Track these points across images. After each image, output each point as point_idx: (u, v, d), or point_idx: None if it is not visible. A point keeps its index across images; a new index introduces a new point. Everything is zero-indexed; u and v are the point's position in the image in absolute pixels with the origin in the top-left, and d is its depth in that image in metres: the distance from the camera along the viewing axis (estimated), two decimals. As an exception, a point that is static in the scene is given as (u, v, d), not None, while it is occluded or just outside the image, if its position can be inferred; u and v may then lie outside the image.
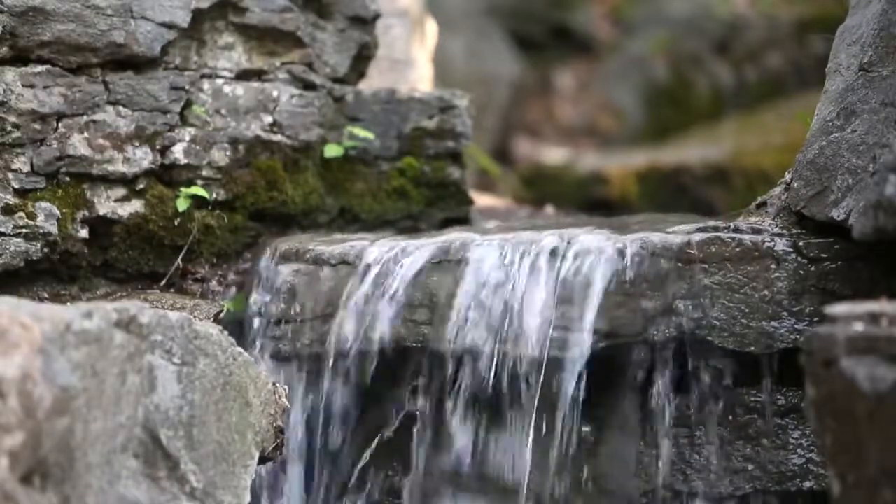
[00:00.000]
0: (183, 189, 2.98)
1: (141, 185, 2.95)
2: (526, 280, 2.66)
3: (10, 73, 2.82)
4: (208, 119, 3.02)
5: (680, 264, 2.64)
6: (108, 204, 2.93)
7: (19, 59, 2.84)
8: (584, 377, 2.62)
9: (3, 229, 2.78)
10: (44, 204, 2.84)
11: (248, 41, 3.10)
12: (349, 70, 3.23)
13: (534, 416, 2.63)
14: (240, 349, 2.32)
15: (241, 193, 3.05)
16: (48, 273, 2.89)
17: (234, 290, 3.00)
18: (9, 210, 2.80)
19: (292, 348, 2.80)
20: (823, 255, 2.64)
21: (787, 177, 2.79)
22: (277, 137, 3.10)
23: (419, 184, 3.23)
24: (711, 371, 2.66)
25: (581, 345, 2.61)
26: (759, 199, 2.86)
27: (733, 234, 2.67)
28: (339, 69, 3.21)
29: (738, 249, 2.65)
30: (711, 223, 2.77)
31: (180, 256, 2.99)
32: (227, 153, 3.04)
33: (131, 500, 2.11)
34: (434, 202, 3.24)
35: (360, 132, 3.18)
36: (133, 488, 2.13)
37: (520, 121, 6.79)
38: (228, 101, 3.06)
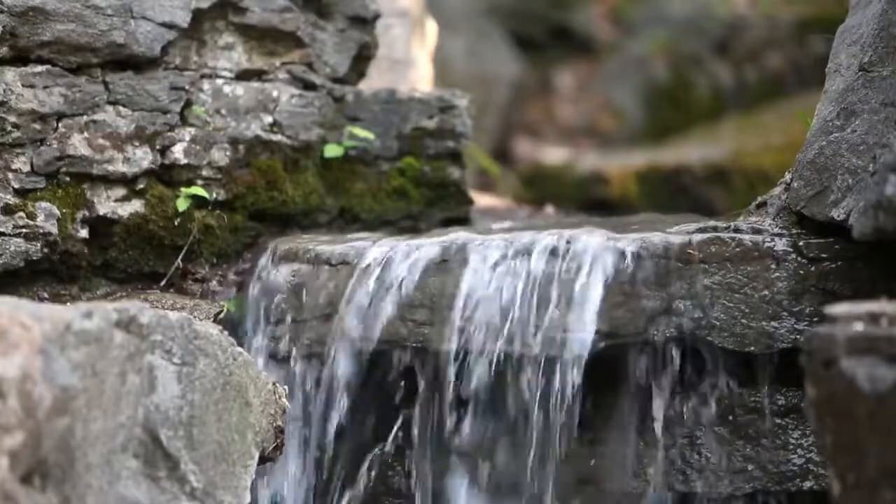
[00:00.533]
0: (183, 189, 2.98)
1: (141, 185, 2.95)
2: (526, 280, 2.66)
3: (10, 73, 2.82)
4: (208, 119, 3.03)
5: (680, 264, 2.64)
6: (108, 204, 2.93)
7: (19, 59, 2.84)
8: (584, 377, 2.62)
9: (3, 229, 2.78)
10: (44, 204, 2.84)
11: (248, 41, 3.10)
12: (349, 70, 3.23)
13: (534, 415, 2.63)
14: (240, 349, 2.32)
15: (241, 193, 3.05)
16: (48, 273, 2.89)
17: (234, 290, 3.00)
18: (9, 210, 2.80)
19: (292, 349, 2.80)
20: (823, 255, 2.64)
21: (787, 177, 2.79)
22: (277, 137, 3.10)
23: (419, 184, 3.23)
24: (711, 371, 2.66)
25: (581, 345, 2.61)
26: (759, 199, 2.86)
27: (733, 234, 2.67)
28: (339, 69, 3.21)
29: (738, 249, 2.65)
30: (711, 223, 2.77)
31: (180, 256, 2.99)
32: (227, 153, 3.04)
33: (131, 500, 2.11)
34: (434, 202, 3.24)
35: (360, 132, 3.18)
36: (133, 488, 2.13)
37: (520, 121, 6.79)
38: (228, 101, 3.06)
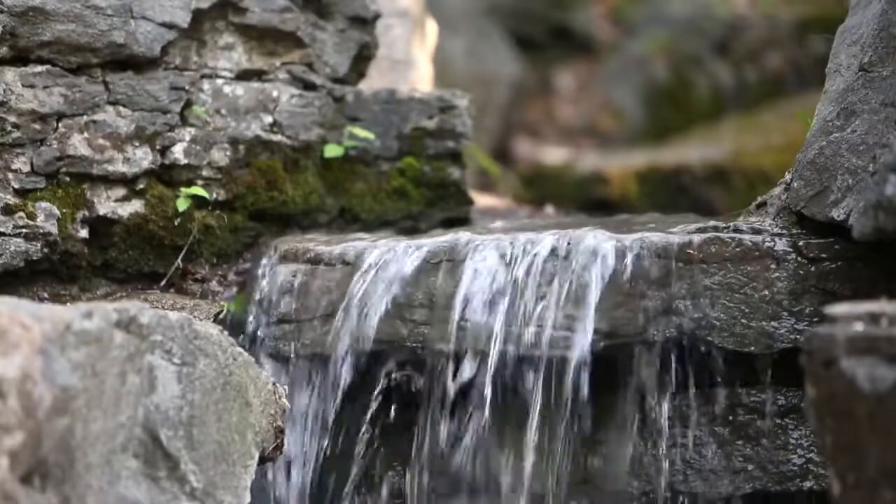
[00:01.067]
0: (183, 189, 2.98)
1: (141, 185, 2.95)
2: (526, 280, 2.66)
3: (10, 73, 2.82)
4: (208, 119, 3.03)
5: (680, 264, 2.64)
6: (108, 204, 2.93)
7: (19, 59, 2.84)
8: (585, 377, 2.62)
9: (3, 229, 2.78)
10: (44, 204, 2.84)
11: (248, 41, 3.10)
12: (349, 70, 3.23)
13: (534, 415, 2.63)
14: (240, 349, 2.32)
15: (241, 193, 3.05)
16: (48, 273, 2.89)
17: (234, 290, 3.00)
18: (9, 210, 2.80)
19: (292, 348, 2.80)
20: (823, 255, 2.64)
21: (787, 177, 2.79)
22: (277, 137, 3.10)
23: (419, 184, 3.23)
24: (711, 371, 2.66)
25: (581, 345, 2.61)
26: (759, 199, 2.87)
27: (733, 234, 2.67)
28: (339, 69, 3.21)
29: (738, 249, 2.65)
30: (711, 223, 2.77)
31: (180, 256, 2.99)
32: (227, 153, 3.04)
33: (131, 500, 2.11)
34: (434, 202, 3.24)
35: (360, 132, 3.18)
36: (133, 488, 2.13)
37: (520, 121, 6.79)
38: (228, 101, 3.06)
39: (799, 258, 2.65)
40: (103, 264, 2.97)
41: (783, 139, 5.17)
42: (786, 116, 5.46)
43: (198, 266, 3.02)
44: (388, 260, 2.74)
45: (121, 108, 2.93)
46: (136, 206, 2.95)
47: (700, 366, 2.65)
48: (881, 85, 2.65)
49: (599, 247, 2.66)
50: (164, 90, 2.97)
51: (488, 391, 2.66)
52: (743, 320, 2.63)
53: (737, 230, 2.69)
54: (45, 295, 2.89)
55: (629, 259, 2.64)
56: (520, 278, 2.66)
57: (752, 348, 2.63)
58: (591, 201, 5.41)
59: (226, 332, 2.32)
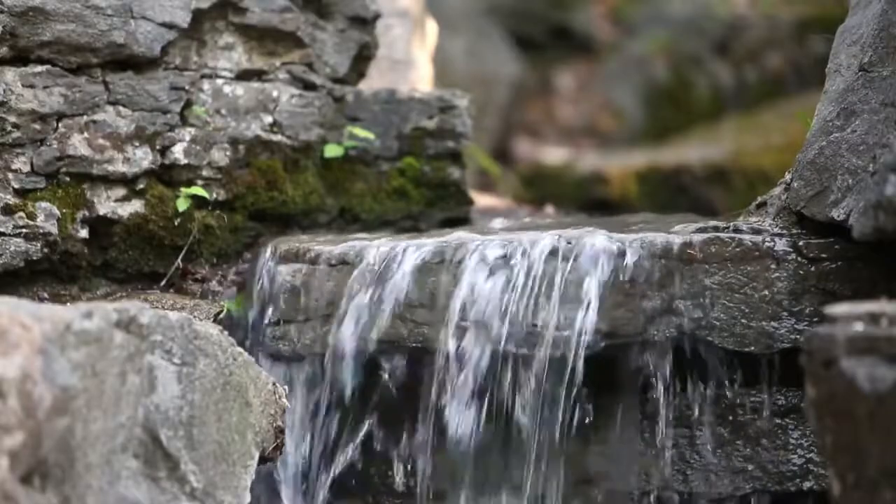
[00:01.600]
0: (183, 189, 2.98)
1: (141, 186, 2.95)
2: (526, 280, 2.66)
3: (10, 73, 2.82)
4: (208, 119, 3.03)
5: (680, 264, 2.64)
6: (108, 204, 2.93)
7: (19, 59, 2.84)
8: (584, 377, 2.62)
9: (3, 229, 2.78)
10: (44, 204, 2.84)
11: (248, 41, 3.10)
12: (349, 70, 3.23)
13: (534, 415, 2.63)
14: (240, 349, 2.32)
15: (241, 193, 3.05)
16: (48, 273, 2.89)
17: (234, 290, 3.00)
18: (9, 210, 2.80)
19: (292, 348, 2.80)
20: (823, 255, 2.64)
21: (787, 177, 2.79)
22: (277, 137, 3.10)
23: (419, 184, 3.23)
24: (711, 371, 2.66)
25: (581, 345, 2.61)
26: (759, 199, 2.87)
27: (733, 234, 2.67)
28: (339, 69, 3.21)
29: (738, 249, 2.65)
30: (711, 223, 2.77)
31: (180, 256, 2.99)
32: (227, 153, 3.04)
33: (131, 500, 2.11)
34: (434, 202, 3.24)
35: (360, 132, 3.18)
36: (133, 488, 2.13)
37: (520, 121, 6.79)
38: (228, 101, 3.06)
39: (799, 258, 2.65)
40: (103, 264, 2.97)
41: (783, 139, 5.17)
42: (786, 116, 5.45)
43: (198, 266, 3.02)
44: (388, 260, 2.74)
45: (121, 108, 2.93)
46: (136, 206, 2.95)
47: (700, 366, 2.65)
48: (881, 85, 2.65)
49: (599, 247, 2.66)
50: (164, 90, 2.97)
51: (488, 391, 2.66)
52: (743, 320, 2.63)
53: (737, 230, 2.69)
54: (45, 295, 2.89)
55: (629, 259, 2.64)
56: (520, 278, 2.66)
57: (752, 348, 2.63)
58: (591, 201, 5.41)
59: (226, 332, 2.32)
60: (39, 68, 2.85)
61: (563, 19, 7.33)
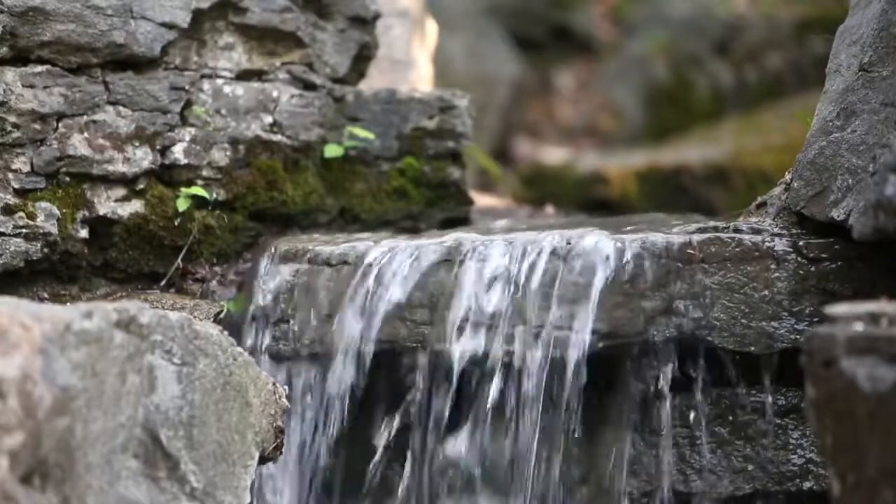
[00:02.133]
0: (183, 189, 2.98)
1: (141, 186, 2.95)
2: (526, 280, 2.66)
3: (10, 73, 2.82)
4: (208, 119, 3.03)
5: (680, 264, 2.64)
6: (108, 204, 2.93)
7: (19, 59, 2.84)
8: (585, 377, 2.62)
9: (3, 229, 2.78)
10: (44, 204, 2.84)
11: (248, 41, 3.10)
12: (349, 70, 3.23)
13: (534, 416, 2.63)
14: (240, 349, 2.32)
15: (241, 193, 3.05)
16: (48, 273, 2.89)
17: (234, 290, 3.00)
18: (9, 210, 2.80)
19: (292, 348, 2.80)
20: (823, 255, 2.65)
21: (787, 177, 2.79)
22: (277, 137, 3.10)
23: (419, 184, 3.23)
24: (711, 371, 2.66)
25: (581, 345, 2.61)
26: (759, 199, 2.87)
27: (733, 234, 2.67)
28: (339, 69, 3.21)
29: (738, 249, 2.65)
30: (711, 223, 2.77)
31: (180, 256, 2.99)
32: (227, 153, 3.04)
33: (131, 501, 2.11)
34: (434, 202, 3.24)
35: (360, 132, 3.18)
36: (133, 488, 2.13)
37: (520, 121, 6.79)
38: (228, 101, 3.06)
39: (799, 258, 2.65)
40: (103, 264, 2.97)
41: (783, 139, 5.17)
42: (786, 116, 5.45)
43: (198, 266, 3.02)
44: (388, 260, 2.75)
45: (121, 108, 2.93)
46: (136, 206, 2.95)
47: (700, 366, 2.65)
48: (881, 85, 2.65)
49: (599, 247, 2.66)
50: (164, 90, 2.97)
51: (488, 391, 2.66)
52: (743, 320, 2.63)
53: (737, 230, 2.69)
54: (45, 295, 2.89)
55: (629, 259, 2.65)
56: (520, 278, 2.66)
57: (752, 348, 2.63)
58: (591, 201, 5.41)
59: (226, 332, 2.32)
60: (39, 68, 2.85)
61: (563, 19, 7.33)
